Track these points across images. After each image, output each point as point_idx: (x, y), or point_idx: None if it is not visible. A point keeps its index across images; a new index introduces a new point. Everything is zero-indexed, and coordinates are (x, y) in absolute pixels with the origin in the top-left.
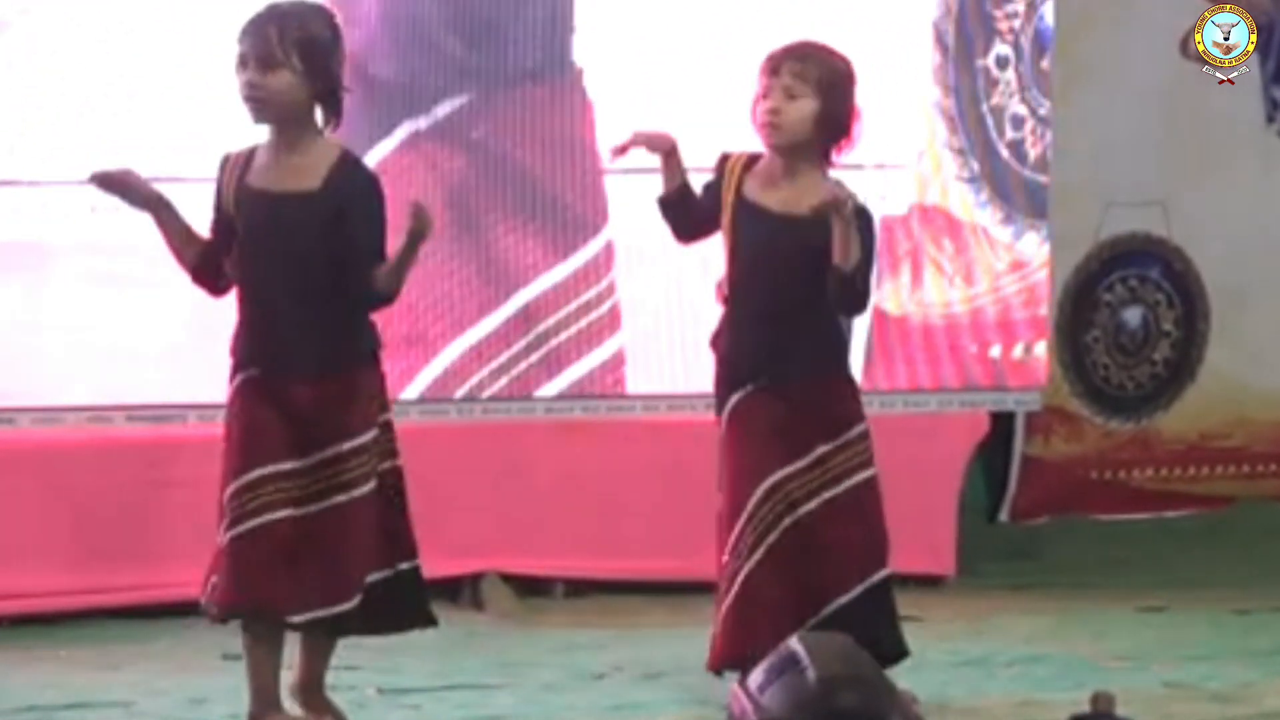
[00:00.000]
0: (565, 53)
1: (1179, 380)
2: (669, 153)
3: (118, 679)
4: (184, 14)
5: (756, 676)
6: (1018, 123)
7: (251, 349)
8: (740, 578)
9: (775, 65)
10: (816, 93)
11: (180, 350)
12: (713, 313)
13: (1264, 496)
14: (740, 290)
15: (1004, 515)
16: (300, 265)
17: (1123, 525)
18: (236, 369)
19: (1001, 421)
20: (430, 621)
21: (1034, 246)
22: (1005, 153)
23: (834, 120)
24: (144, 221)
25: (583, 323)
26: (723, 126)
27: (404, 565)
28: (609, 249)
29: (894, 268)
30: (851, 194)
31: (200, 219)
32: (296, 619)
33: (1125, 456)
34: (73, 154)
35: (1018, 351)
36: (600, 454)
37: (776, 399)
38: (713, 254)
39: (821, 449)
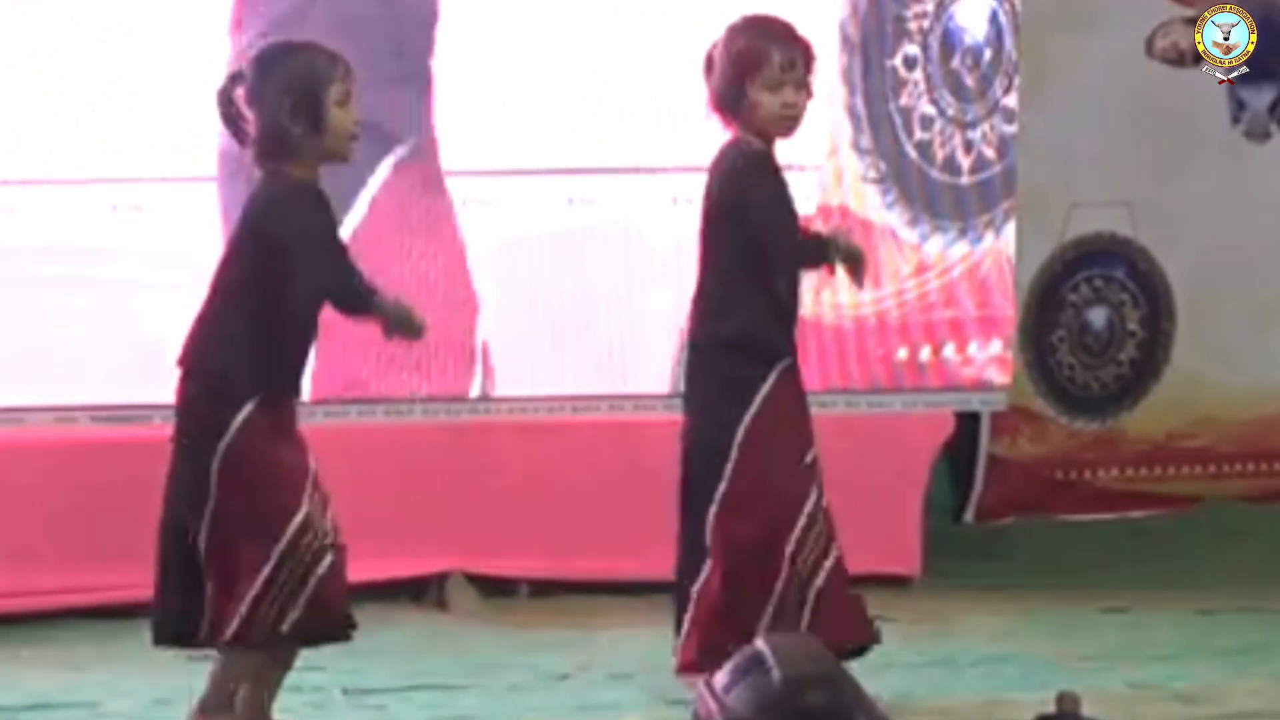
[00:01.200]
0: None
1: (1144, 380)
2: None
3: (82, 679)
4: (184, 14)
5: (722, 677)
6: (926, 123)
7: (286, 374)
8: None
9: (790, 59)
10: (809, 84)
11: (145, 351)
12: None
13: (1230, 496)
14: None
15: (969, 515)
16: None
17: (1088, 525)
18: (278, 395)
19: (967, 422)
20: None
21: (940, 248)
22: (913, 153)
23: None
24: (145, 223)
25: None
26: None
27: None
28: None
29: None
30: None
31: (201, 218)
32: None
33: (1091, 457)
34: (73, 154)
35: (924, 354)
36: (565, 455)
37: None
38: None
39: None
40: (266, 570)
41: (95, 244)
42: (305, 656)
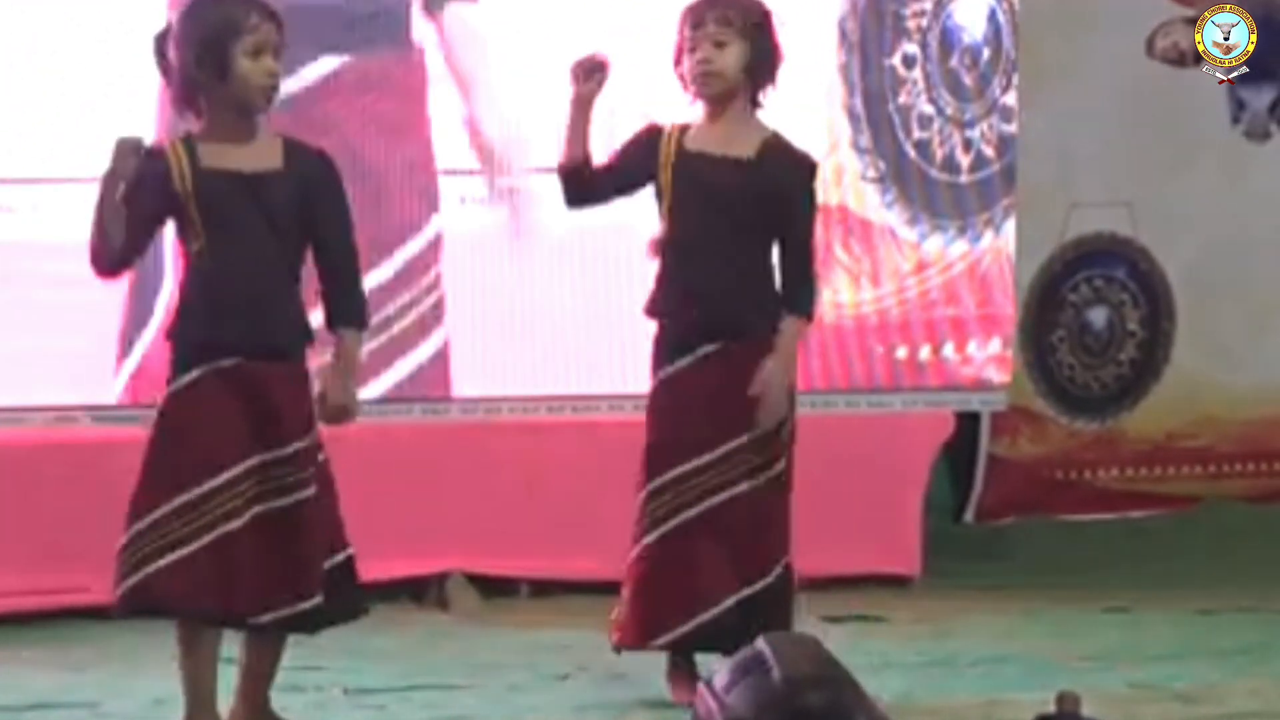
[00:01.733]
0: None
1: (1144, 380)
2: (588, 101)
3: (81, 680)
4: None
5: (722, 676)
6: (925, 122)
7: (223, 334)
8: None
9: (698, 18)
10: (743, 38)
11: (145, 351)
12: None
13: (1230, 496)
14: (689, 245)
15: (969, 515)
16: (280, 242)
17: (1088, 525)
18: (199, 358)
19: (967, 422)
20: (364, 611)
21: (939, 246)
22: (912, 152)
23: (762, 63)
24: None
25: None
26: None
27: (342, 555)
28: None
29: None
30: (789, 143)
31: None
32: (262, 619)
33: (1091, 457)
34: (72, 153)
35: (924, 353)
36: (566, 454)
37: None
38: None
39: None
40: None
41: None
42: (304, 656)
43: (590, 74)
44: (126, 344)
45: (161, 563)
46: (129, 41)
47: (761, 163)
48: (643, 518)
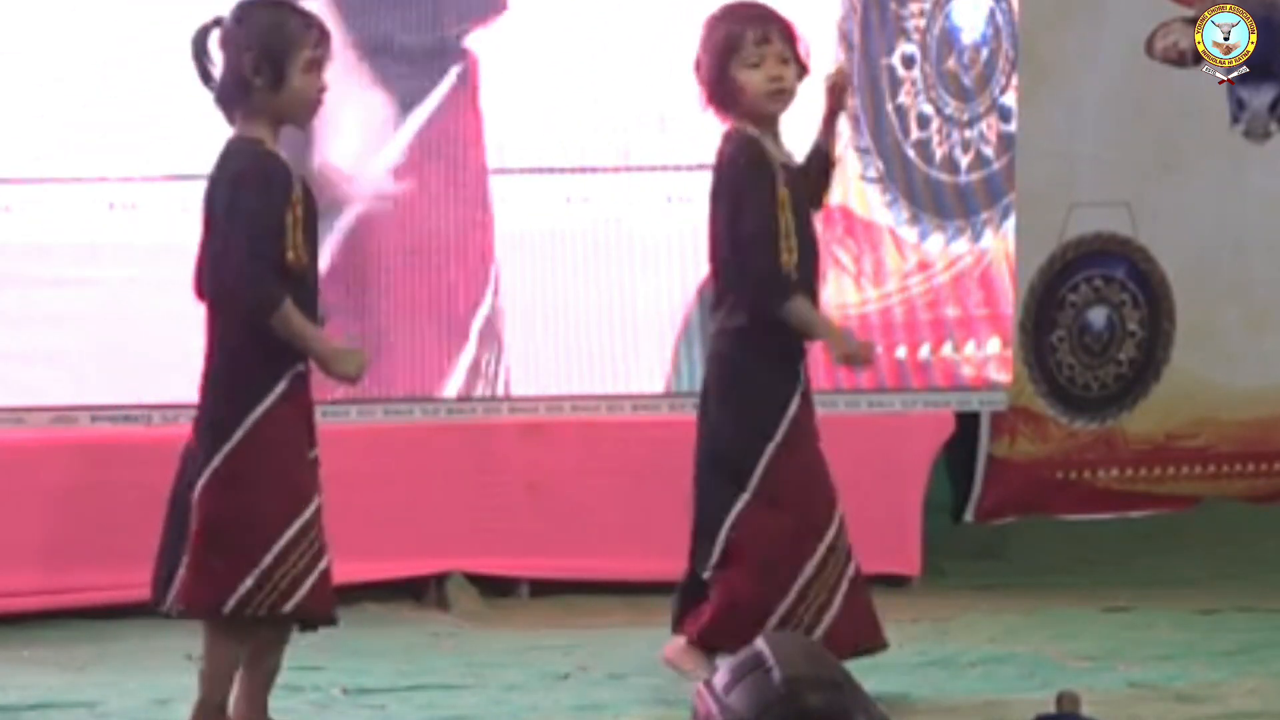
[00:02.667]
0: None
1: (1144, 380)
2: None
3: (82, 679)
4: (185, 13)
5: (721, 676)
6: (924, 122)
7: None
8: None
9: (763, 33)
10: (793, 54)
11: (144, 350)
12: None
13: (1229, 496)
14: (807, 268)
15: (969, 515)
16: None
17: (1088, 525)
18: (285, 368)
19: (967, 421)
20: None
21: (940, 246)
22: (911, 152)
23: (799, 77)
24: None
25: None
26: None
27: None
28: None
29: None
30: None
31: (199, 216)
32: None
33: (1090, 457)
34: (73, 154)
35: (923, 352)
36: (566, 454)
37: None
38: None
39: None
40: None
41: (93, 242)
42: (304, 656)
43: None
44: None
45: (313, 577)
46: (129, 40)
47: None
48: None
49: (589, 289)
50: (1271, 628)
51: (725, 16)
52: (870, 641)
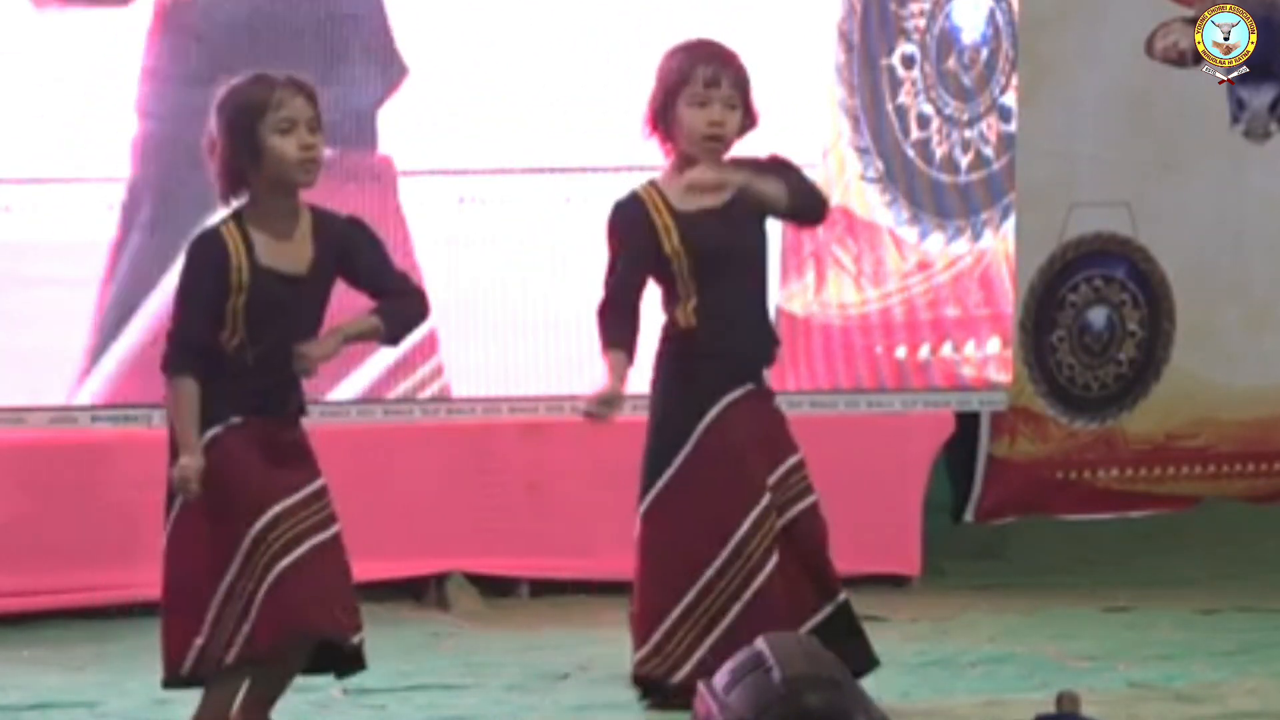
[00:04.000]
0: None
1: (1144, 380)
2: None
3: (82, 679)
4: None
5: (722, 677)
6: (924, 122)
7: (240, 400)
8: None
9: (713, 75)
10: (742, 102)
11: (144, 351)
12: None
13: (1229, 496)
14: (710, 303)
15: (969, 515)
16: (307, 329)
17: (1088, 525)
18: (214, 420)
19: (967, 421)
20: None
21: (940, 246)
22: (911, 152)
23: (743, 131)
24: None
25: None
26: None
27: None
28: None
29: (799, 269)
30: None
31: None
32: (354, 639)
33: (1090, 457)
34: (74, 154)
35: (923, 352)
36: (566, 454)
37: (761, 402)
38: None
39: (792, 459)
40: None
41: (91, 242)
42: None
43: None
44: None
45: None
46: (128, 41)
47: (730, 204)
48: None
49: (589, 289)
50: (1271, 628)
51: (684, 50)
52: None
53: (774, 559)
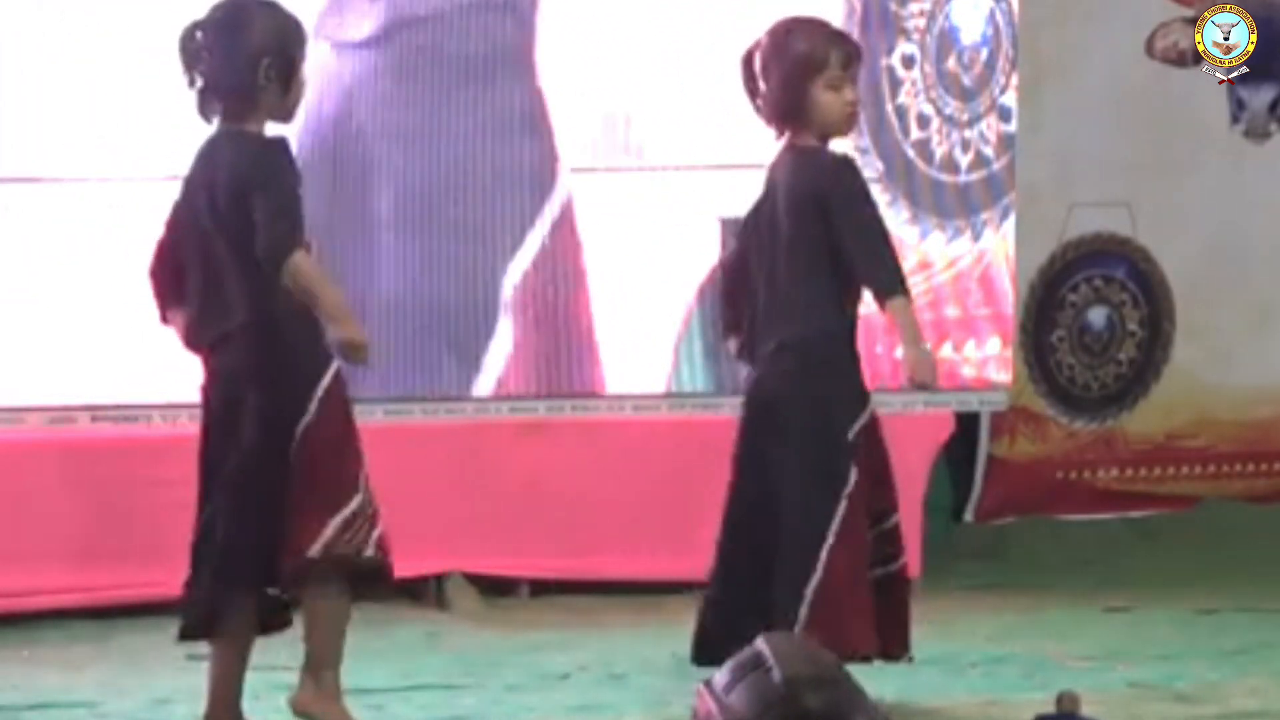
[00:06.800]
0: None
1: (1144, 380)
2: None
3: (81, 679)
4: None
5: (721, 676)
6: (924, 122)
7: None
8: None
9: (848, 58)
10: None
11: (144, 350)
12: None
13: (1230, 496)
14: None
15: (969, 515)
16: None
17: (1088, 525)
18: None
19: (967, 422)
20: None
21: (939, 246)
22: (911, 152)
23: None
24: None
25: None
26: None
27: None
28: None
29: None
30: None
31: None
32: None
33: (1090, 457)
34: (73, 154)
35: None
36: (566, 454)
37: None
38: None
39: None
40: None
41: (92, 242)
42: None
43: None
44: None
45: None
46: (128, 41)
47: None
48: None
49: (588, 289)
50: (1271, 628)
51: (806, 33)
52: None
53: None
